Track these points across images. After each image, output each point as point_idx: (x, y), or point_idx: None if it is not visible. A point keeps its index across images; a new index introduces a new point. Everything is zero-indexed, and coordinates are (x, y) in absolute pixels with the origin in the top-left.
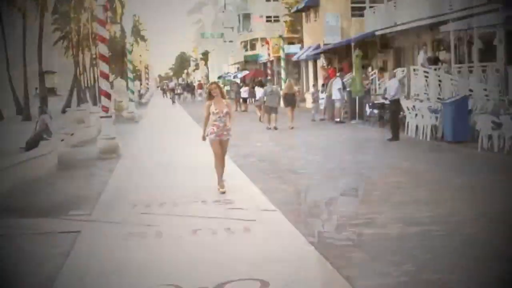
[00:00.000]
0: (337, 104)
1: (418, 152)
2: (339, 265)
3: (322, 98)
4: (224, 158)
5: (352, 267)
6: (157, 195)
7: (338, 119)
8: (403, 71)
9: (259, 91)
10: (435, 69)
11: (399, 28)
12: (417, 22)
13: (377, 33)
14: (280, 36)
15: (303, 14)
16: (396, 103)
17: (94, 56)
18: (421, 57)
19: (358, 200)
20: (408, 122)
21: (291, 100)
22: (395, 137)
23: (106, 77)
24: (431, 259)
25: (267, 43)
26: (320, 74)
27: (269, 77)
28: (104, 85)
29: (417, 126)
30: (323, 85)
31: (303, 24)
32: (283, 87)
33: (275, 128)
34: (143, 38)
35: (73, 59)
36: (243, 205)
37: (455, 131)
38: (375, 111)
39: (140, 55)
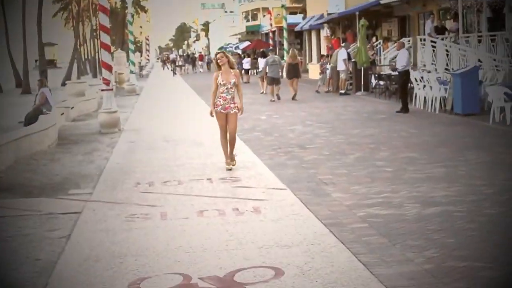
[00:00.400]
0: (342, 75)
1: (428, 125)
2: (357, 251)
3: (327, 69)
4: (234, 134)
5: (371, 252)
6: (160, 172)
7: (343, 91)
8: (408, 41)
9: (261, 62)
10: (442, 39)
11: None
12: None
13: (382, 1)
14: (283, 6)
15: None
16: (405, 74)
17: (94, 27)
18: (428, 26)
19: (370, 178)
20: (416, 94)
21: (294, 70)
22: (405, 109)
23: (107, 48)
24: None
25: (269, 13)
26: (324, 44)
27: (271, 48)
28: (105, 56)
29: (425, 98)
30: (326, 55)
31: None
32: (285, 57)
33: (278, 98)
34: (143, 9)
35: (73, 30)
36: (251, 183)
37: (465, 103)
38: (382, 82)
39: (141, 26)
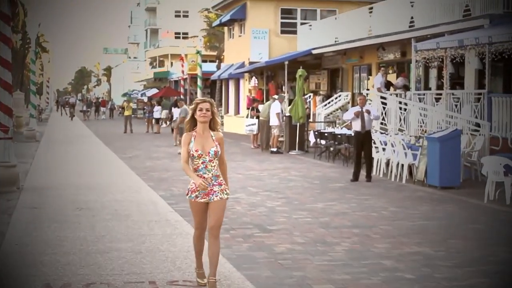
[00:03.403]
0: (275, 131)
1: (407, 202)
2: None
3: (250, 124)
4: (216, 233)
5: None
6: (77, 266)
7: (274, 149)
8: (347, 95)
9: (176, 112)
10: (397, 95)
11: (344, 46)
12: (367, 40)
13: (315, 51)
14: (198, 52)
15: (226, 28)
16: (367, 135)
17: None
18: (377, 80)
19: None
20: (376, 159)
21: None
22: (367, 177)
23: (8, 88)
24: None
25: (182, 59)
26: (244, 95)
27: (181, 96)
28: (5, 98)
29: (386, 164)
30: (252, 108)
31: (226, 40)
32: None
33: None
34: (44, 49)
35: None
36: None
37: (443, 174)
38: (323, 141)
39: (41, 68)
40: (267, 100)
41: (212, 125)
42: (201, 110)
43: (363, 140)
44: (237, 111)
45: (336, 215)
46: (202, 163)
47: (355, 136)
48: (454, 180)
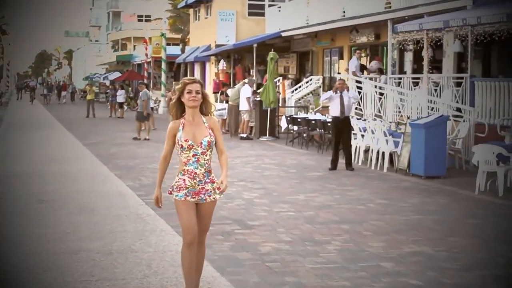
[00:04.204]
0: (245, 116)
1: (394, 193)
2: None
3: (220, 109)
4: (203, 238)
5: None
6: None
7: (244, 135)
8: (318, 79)
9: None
10: (371, 79)
11: (316, 28)
12: (340, 22)
13: (285, 34)
14: (162, 35)
15: (192, 10)
16: (346, 121)
17: None
18: (353, 63)
19: None
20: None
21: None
22: (349, 166)
23: None
24: None
25: (146, 42)
26: (211, 79)
27: (144, 80)
28: None
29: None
30: (221, 93)
31: (191, 23)
32: (162, 91)
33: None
34: (5, 32)
35: None
36: None
37: (428, 163)
38: (295, 127)
39: (1, 50)
40: (234, 84)
41: (204, 109)
42: (190, 92)
43: (341, 127)
44: None
45: (320, 208)
46: (193, 155)
47: (333, 121)
48: (440, 169)
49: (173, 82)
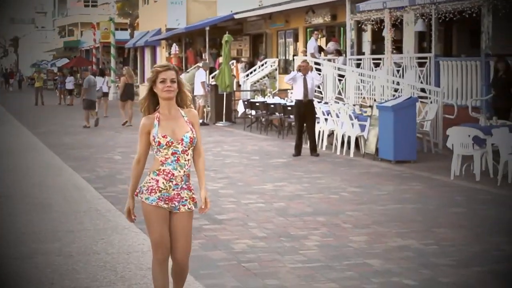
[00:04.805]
0: (200, 101)
1: (366, 180)
2: None
3: None
4: (185, 259)
5: None
6: None
7: (200, 120)
8: (274, 62)
9: (100, 81)
10: (330, 61)
11: (270, 10)
12: (296, 2)
13: (237, 16)
14: (111, 20)
15: None
16: (310, 105)
17: None
18: (311, 45)
19: None
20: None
21: (131, 92)
22: (313, 152)
23: None
24: None
25: (94, 27)
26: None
27: (93, 66)
28: None
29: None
30: None
31: (140, 7)
32: (112, 77)
33: (96, 123)
34: None
35: None
36: None
37: (398, 148)
38: (253, 111)
39: None
40: (186, 68)
41: (180, 101)
42: (163, 81)
43: (305, 110)
44: None
45: (291, 198)
46: (172, 154)
47: (296, 105)
48: (410, 153)
49: (124, 67)
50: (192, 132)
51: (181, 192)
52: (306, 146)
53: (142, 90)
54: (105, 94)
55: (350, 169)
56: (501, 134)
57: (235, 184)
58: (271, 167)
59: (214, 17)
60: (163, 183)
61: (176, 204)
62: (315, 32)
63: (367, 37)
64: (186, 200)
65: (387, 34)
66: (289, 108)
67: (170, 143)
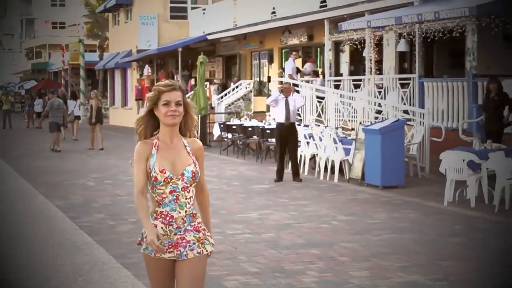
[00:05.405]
0: None
1: (355, 207)
2: None
3: None
4: None
5: None
6: None
7: None
8: (249, 84)
9: (71, 104)
10: (308, 82)
11: (244, 30)
12: (272, 23)
13: (210, 37)
14: (80, 41)
15: (111, 15)
16: (292, 128)
17: None
18: (289, 65)
19: None
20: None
21: (100, 115)
22: (296, 177)
23: None
24: None
25: (62, 49)
26: (132, 86)
27: (60, 88)
28: None
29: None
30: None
31: (110, 27)
32: (81, 99)
33: (57, 151)
34: None
35: None
36: None
37: (385, 172)
38: (229, 134)
39: None
40: None
41: (184, 126)
42: (167, 104)
43: (287, 134)
44: (124, 103)
45: (279, 228)
46: (171, 192)
47: (277, 128)
48: (398, 178)
49: (92, 91)
50: (195, 165)
51: (185, 235)
52: (287, 171)
53: (112, 113)
54: (77, 117)
55: (337, 196)
56: (497, 158)
57: (218, 212)
58: (253, 193)
59: (186, 38)
60: (162, 228)
61: (182, 250)
62: (293, 53)
63: (344, 58)
64: (194, 243)
65: (370, 54)
66: (268, 131)
67: (168, 179)
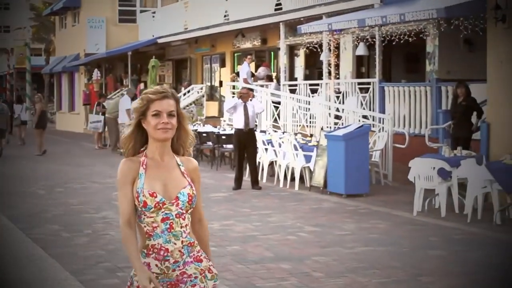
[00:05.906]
0: (125, 130)
1: (321, 217)
2: None
3: (95, 121)
4: None
5: None
6: None
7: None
8: (201, 88)
9: (17, 108)
10: (262, 86)
11: (195, 34)
12: (225, 26)
13: (162, 40)
14: (26, 44)
15: (57, 18)
16: (251, 134)
17: None
18: (243, 69)
19: None
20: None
21: (45, 120)
22: (255, 185)
23: None
24: None
25: (8, 53)
26: (80, 90)
27: (7, 92)
28: None
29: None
30: (98, 103)
31: (57, 31)
32: (28, 104)
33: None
34: None
35: None
36: None
37: (349, 180)
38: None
39: None
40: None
41: (177, 140)
42: (158, 115)
43: (246, 140)
44: (71, 108)
45: (244, 241)
46: (163, 220)
47: (236, 134)
48: (362, 186)
49: (36, 95)
50: (192, 188)
51: (186, 269)
52: (246, 179)
53: (59, 118)
54: (24, 122)
55: (300, 205)
56: (469, 166)
57: None
58: (212, 202)
59: (135, 41)
60: (156, 265)
61: (184, 287)
62: (248, 57)
63: (299, 62)
64: (196, 277)
65: (329, 58)
66: (224, 137)
67: (160, 205)
